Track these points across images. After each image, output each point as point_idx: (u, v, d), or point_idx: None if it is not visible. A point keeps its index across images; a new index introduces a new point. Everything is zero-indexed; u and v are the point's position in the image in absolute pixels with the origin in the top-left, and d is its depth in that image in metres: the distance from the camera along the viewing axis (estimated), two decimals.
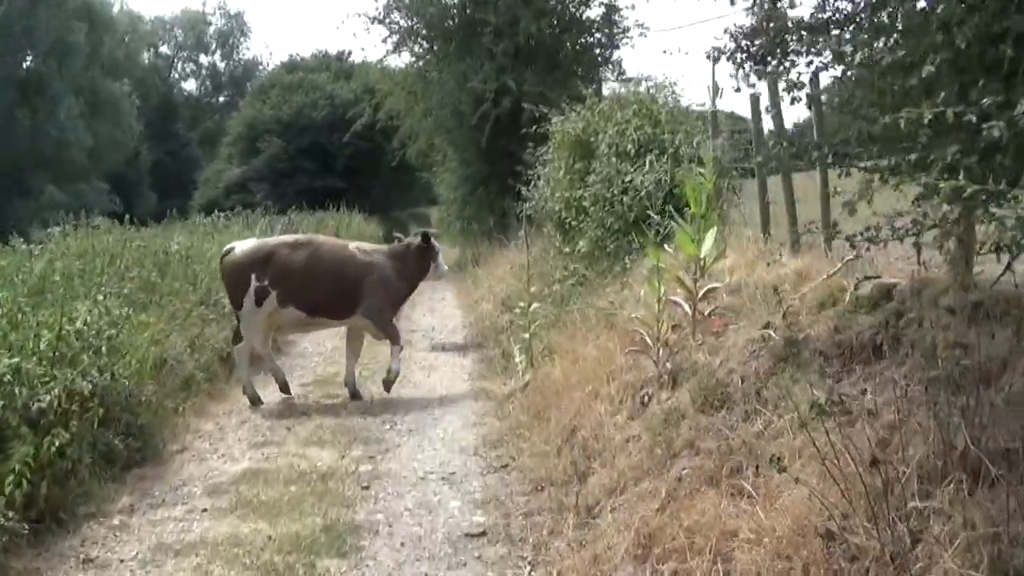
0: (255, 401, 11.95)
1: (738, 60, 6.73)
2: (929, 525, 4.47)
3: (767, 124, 10.59)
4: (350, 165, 50.76)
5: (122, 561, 7.14)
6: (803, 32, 6.31)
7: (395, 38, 30.31)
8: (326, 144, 51.07)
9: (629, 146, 13.94)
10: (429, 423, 10.99)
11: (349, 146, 45.48)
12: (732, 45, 6.73)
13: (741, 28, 6.69)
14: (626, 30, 29.61)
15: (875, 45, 5.01)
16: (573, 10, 29.62)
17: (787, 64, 6.47)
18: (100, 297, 10.56)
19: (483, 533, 7.46)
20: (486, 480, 8.84)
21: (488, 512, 7.93)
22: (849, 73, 5.68)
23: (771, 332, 7.50)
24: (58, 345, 8.78)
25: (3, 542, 6.83)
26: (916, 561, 4.28)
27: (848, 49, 4.86)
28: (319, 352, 15.95)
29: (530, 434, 9.66)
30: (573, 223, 15.32)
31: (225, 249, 12.60)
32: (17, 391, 7.88)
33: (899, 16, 5.22)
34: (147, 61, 79.21)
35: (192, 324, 12.93)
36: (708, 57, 6.87)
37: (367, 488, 8.63)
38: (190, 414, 10.96)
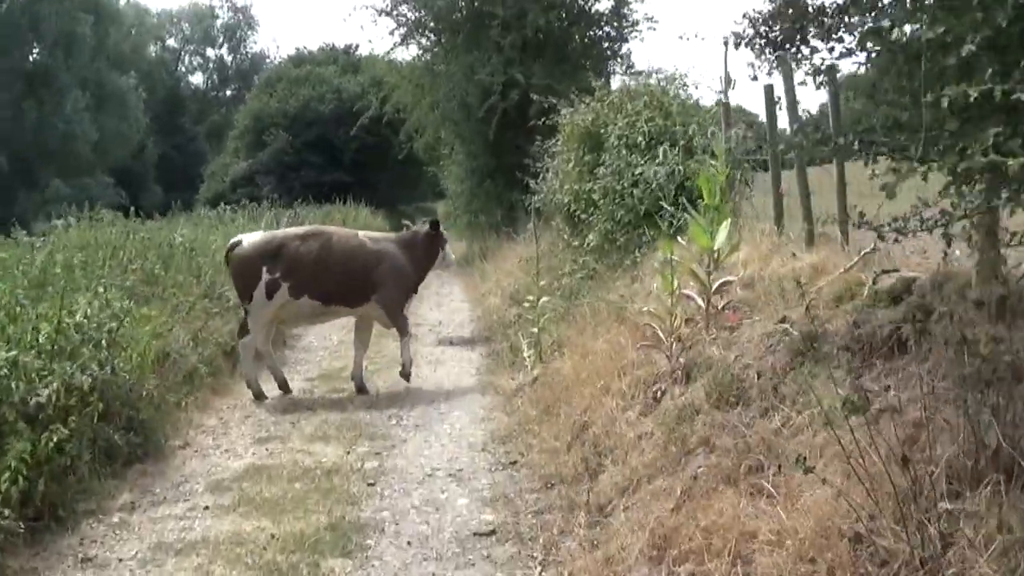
0: (259, 396, 11.81)
1: (757, 47, 6.52)
2: (960, 528, 4.28)
3: (781, 115, 10.42)
4: (357, 159, 50.54)
5: (121, 560, 6.95)
6: (824, 18, 6.11)
7: (402, 31, 30.29)
8: (333, 138, 50.84)
9: (639, 138, 13.76)
10: (436, 418, 10.82)
11: (356, 140, 45.30)
12: (751, 31, 6.52)
13: (760, 13, 6.49)
14: (635, 23, 29.52)
15: (905, 28, 4.79)
16: (582, 3, 29.51)
17: (808, 50, 6.27)
18: (101, 289, 10.38)
19: (492, 532, 7.26)
20: (494, 477, 8.65)
21: (497, 510, 7.73)
22: (875, 56, 5.46)
23: (788, 326, 7.30)
24: (57, 338, 8.61)
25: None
26: (948, 566, 4.09)
27: (886, 24, 4.63)
28: (324, 346, 15.79)
29: (539, 430, 9.47)
30: (582, 216, 15.15)
31: (232, 242, 12.42)
32: (14, 385, 7.72)
33: None
34: (154, 54, 79.13)
35: (196, 317, 12.74)
36: (726, 43, 6.65)
37: (373, 485, 8.44)
38: (193, 409, 10.77)
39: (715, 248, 8.74)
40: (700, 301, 8.79)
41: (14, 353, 7.97)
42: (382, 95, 33.45)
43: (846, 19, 5.90)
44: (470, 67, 27.32)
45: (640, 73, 21.72)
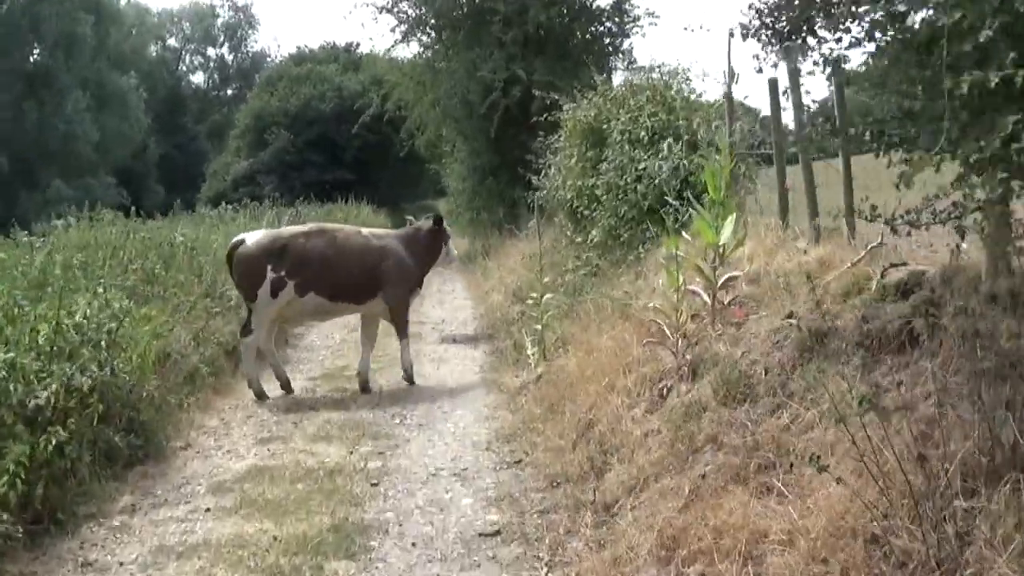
0: (260, 395, 11.73)
1: (763, 37, 6.42)
2: (976, 526, 4.19)
3: (784, 108, 10.31)
4: (358, 157, 50.46)
5: (122, 564, 6.85)
6: (831, 7, 6.01)
7: (403, 28, 30.14)
8: (334, 136, 50.78)
9: (642, 133, 13.65)
10: (440, 417, 10.72)
11: (357, 138, 45.16)
12: (757, 22, 6.43)
13: (766, 3, 6.39)
14: (636, 19, 29.41)
15: (915, 17, 4.70)
16: None
17: (815, 41, 6.17)
18: (100, 290, 10.28)
19: (497, 532, 7.16)
20: (499, 476, 8.55)
21: (502, 510, 7.63)
22: (886, 46, 5.36)
23: (795, 322, 7.21)
24: (56, 339, 8.50)
25: None
26: (966, 567, 3.99)
27: (901, 8, 4.54)
28: (327, 345, 15.71)
29: (544, 428, 9.37)
30: (585, 212, 15.07)
31: (235, 241, 12.31)
32: (12, 388, 7.60)
33: None
34: (154, 54, 79.04)
35: (197, 317, 12.64)
36: (732, 34, 6.55)
37: (376, 485, 8.34)
38: (194, 409, 10.65)
39: (720, 243, 8.63)
40: (706, 297, 8.70)
41: (12, 355, 7.87)
42: (383, 93, 33.33)
43: (854, 8, 5.80)
44: (471, 64, 27.23)
45: (642, 68, 21.60)
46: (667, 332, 8.53)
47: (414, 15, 29.93)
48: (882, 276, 6.98)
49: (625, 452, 7.48)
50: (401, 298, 12.48)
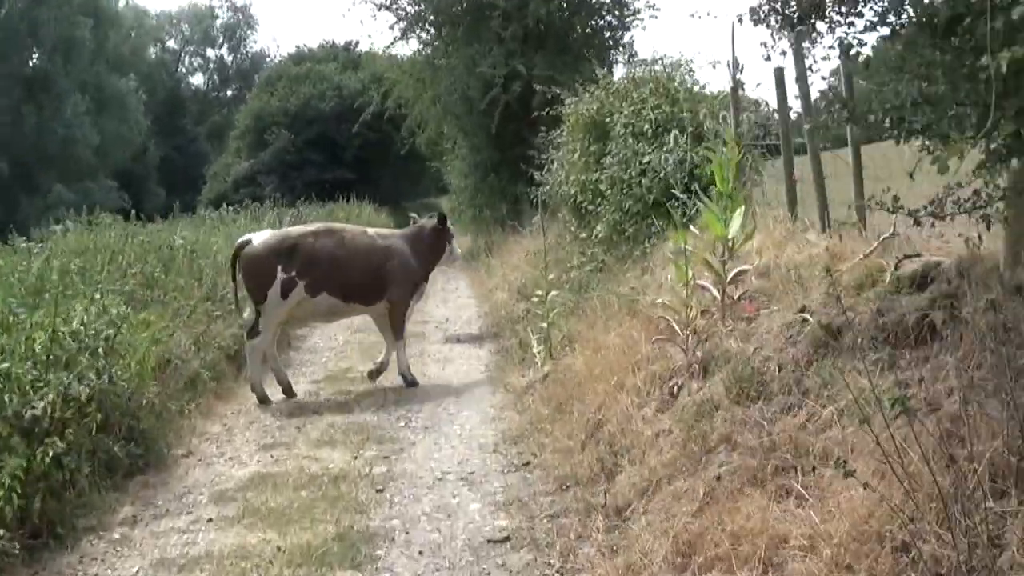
0: (264, 400, 11.54)
1: (773, 23, 6.23)
2: (1008, 530, 4.00)
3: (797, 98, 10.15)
4: (359, 156, 50.28)
5: None
6: None
7: (402, 25, 29.94)
8: (334, 135, 50.60)
9: (646, 126, 13.46)
10: (445, 419, 10.55)
11: (358, 137, 44.94)
12: (767, 7, 6.24)
13: None
14: (636, 12, 29.22)
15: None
16: None
17: (826, 26, 5.98)
18: (97, 296, 10.10)
19: (506, 538, 6.98)
20: (507, 479, 8.38)
21: (511, 515, 7.46)
22: (903, 29, 5.16)
23: (808, 316, 7.03)
24: (52, 348, 8.33)
25: None
26: (1000, 574, 3.80)
27: None
28: (330, 347, 15.52)
29: (552, 428, 9.18)
30: (589, 207, 14.90)
31: (241, 241, 12.13)
32: (8, 398, 7.42)
33: None
34: (153, 56, 78.85)
35: (197, 321, 12.46)
36: (740, 20, 6.35)
37: (382, 491, 8.17)
38: (196, 415, 10.47)
39: (729, 237, 8.44)
40: (715, 292, 8.52)
41: (7, 365, 7.71)
42: (383, 91, 33.21)
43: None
44: (471, 60, 27.04)
45: (644, 61, 21.42)
46: (676, 328, 8.36)
47: (413, 12, 29.76)
48: (896, 268, 6.81)
49: (636, 453, 7.30)
50: (403, 297, 12.40)
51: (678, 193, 10.66)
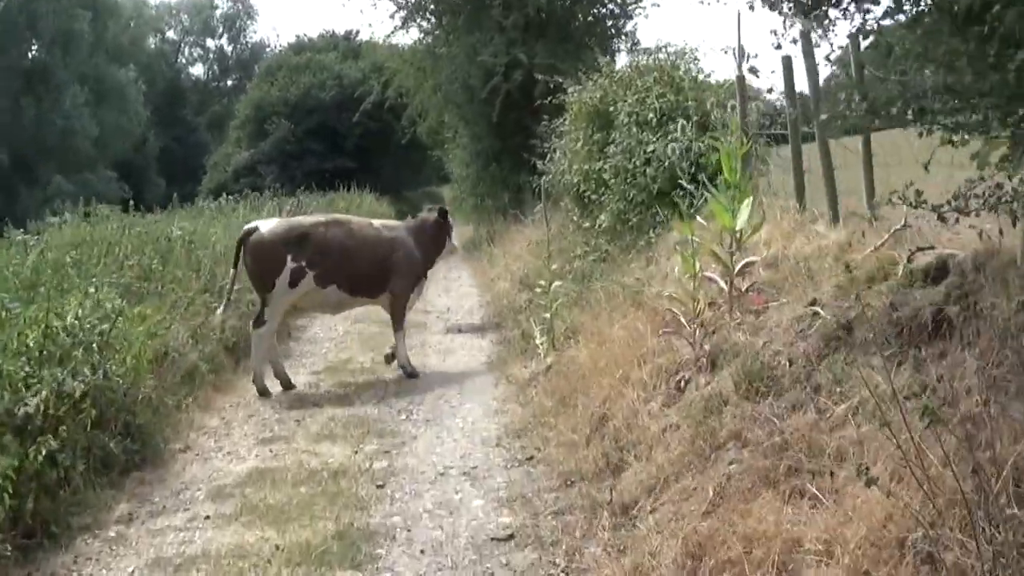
0: (264, 392, 11.39)
1: (784, 10, 6.05)
2: None
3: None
4: (360, 145, 50.22)
5: None
6: None
7: (403, 13, 29.83)
8: (335, 125, 50.52)
9: (650, 115, 13.29)
10: (447, 412, 10.40)
11: (358, 126, 44.89)
12: None
13: None
14: (638, 0, 29.05)
15: None
16: None
17: (838, 12, 5.80)
18: (92, 290, 9.93)
19: (510, 536, 6.82)
20: (510, 475, 8.21)
21: (514, 512, 7.29)
22: (923, 16, 4.98)
23: (818, 309, 6.87)
24: (46, 343, 8.16)
25: None
26: None
27: None
28: (330, 337, 15.36)
29: (556, 422, 9.02)
30: (593, 196, 14.74)
31: (248, 228, 11.92)
32: (0, 396, 7.27)
33: None
34: (153, 47, 78.64)
35: (195, 313, 12.30)
36: (751, 7, 6.17)
37: (382, 487, 8.01)
38: (193, 409, 10.30)
39: (737, 228, 8.27)
40: (722, 283, 8.35)
41: None
42: (384, 80, 33.10)
43: None
44: (472, 48, 26.87)
45: (647, 50, 21.26)
46: (683, 321, 8.19)
47: (413, 0, 29.58)
48: (909, 260, 6.65)
49: (642, 449, 7.15)
50: (405, 290, 12.36)
51: (684, 183, 10.48)
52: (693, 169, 11.41)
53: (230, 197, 26.75)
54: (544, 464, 8.27)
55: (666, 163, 12.20)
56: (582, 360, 9.72)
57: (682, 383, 7.68)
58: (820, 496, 4.96)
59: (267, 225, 11.89)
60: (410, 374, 12.06)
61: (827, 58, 8.52)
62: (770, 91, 10.84)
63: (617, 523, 6.44)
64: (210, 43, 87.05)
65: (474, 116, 28.57)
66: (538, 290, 12.61)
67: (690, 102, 13.13)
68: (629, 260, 12.45)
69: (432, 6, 29.62)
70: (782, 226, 9.38)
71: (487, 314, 16.77)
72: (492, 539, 6.80)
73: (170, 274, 13.42)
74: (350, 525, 7.12)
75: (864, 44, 6.04)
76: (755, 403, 6.48)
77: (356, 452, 8.99)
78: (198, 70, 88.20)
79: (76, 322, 8.76)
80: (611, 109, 14.70)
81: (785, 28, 6.44)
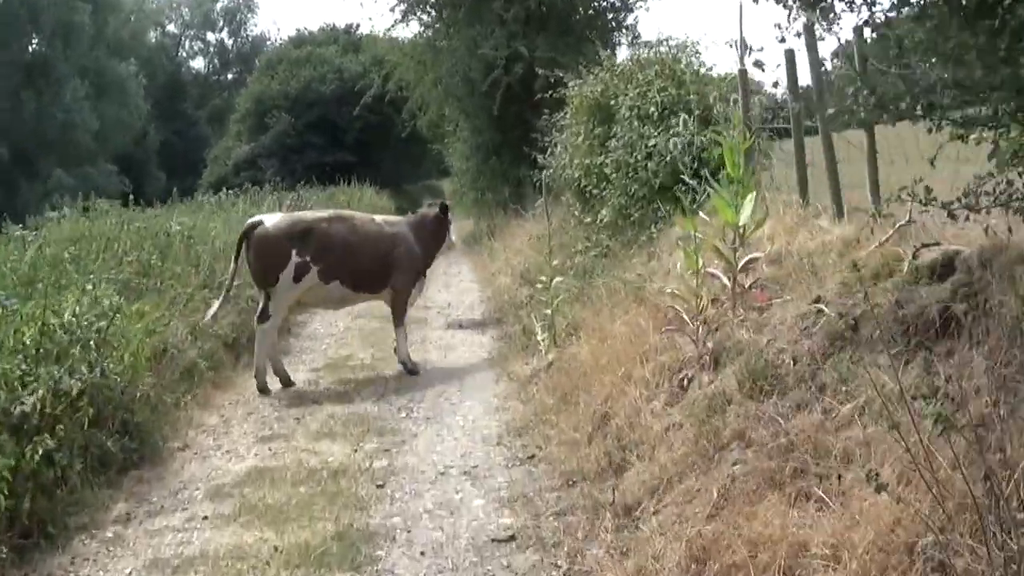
0: (264, 390, 11.31)
1: (789, 3, 5.97)
2: None
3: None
4: (360, 139, 50.17)
5: None
6: None
7: (403, 6, 29.70)
8: (335, 118, 50.47)
9: (652, 108, 13.20)
10: (448, 409, 10.32)
11: (359, 119, 44.69)
12: None
13: None
14: None
15: None
16: None
17: (844, 5, 5.71)
18: (90, 286, 9.85)
19: (511, 537, 6.73)
20: (512, 474, 8.14)
21: (516, 512, 7.21)
22: (933, 8, 4.88)
23: (823, 307, 6.78)
24: (42, 341, 8.08)
25: None
26: None
27: None
28: (331, 333, 15.29)
29: (557, 420, 8.94)
30: (594, 191, 14.62)
31: (251, 222, 11.83)
32: None
33: None
34: (154, 40, 78.45)
35: (194, 309, 12.20)
36: (755, 0, 6.09)
37: (382, 486, 7.93)
38: (192, 407, 10.22)
39: (740, 223, 8.17)
40: (725, 280, 8.26)
41: None
42: (384, 73, 33.02)
43: None
44: (472, 41, 26.75)
45: (648, 43, 21.19)
46: (685, 318, 8.11)
47: None
48: (914, 257, 6.54)
49: (645, 448, 7.06)
50: (406, 285, 12.34)
51: (686, 178, 10.38)
52: (695, 164, 11.30)
53: (230, 191, 26.66)
54: (545, 463, 8.19)
55: (668, 157, 12.11)
56: (584, 357, 9.65)
57: (685, 381, 7.60)
58: (827, 499, 4.88)
59: (271, 219, 11.83)
60: (410, 370, 11.99)
61: (835, 54, 8.40)
62: (775, 85, 10.69)
63: (620, 524, 6.36)
64: (211, 36, 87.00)
65: (474, 109, 28.46)
66: (539, 286, 12.53)
67: (692, 96, 13.03)
68: (630, 256, 12.35)
69: None
70: (785, 221, 9.27)
71: (488, 309, 16.71)
72: (493, 540, 6.73)
73: (169, 270, 13.34)
74: (350, 526, 7.05)
75: (869, 37, 5.92)
76: (759, 402, 6.40)
77: (356, 451, 8.91)
78: (199, 64, 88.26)
79: (73, 319, 8.69)
80: (612, 103, 14.60)
81: (789, 21, 6.36)
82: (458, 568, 6.34)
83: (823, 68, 9.03)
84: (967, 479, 3.95)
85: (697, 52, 15.60)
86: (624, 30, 29.71)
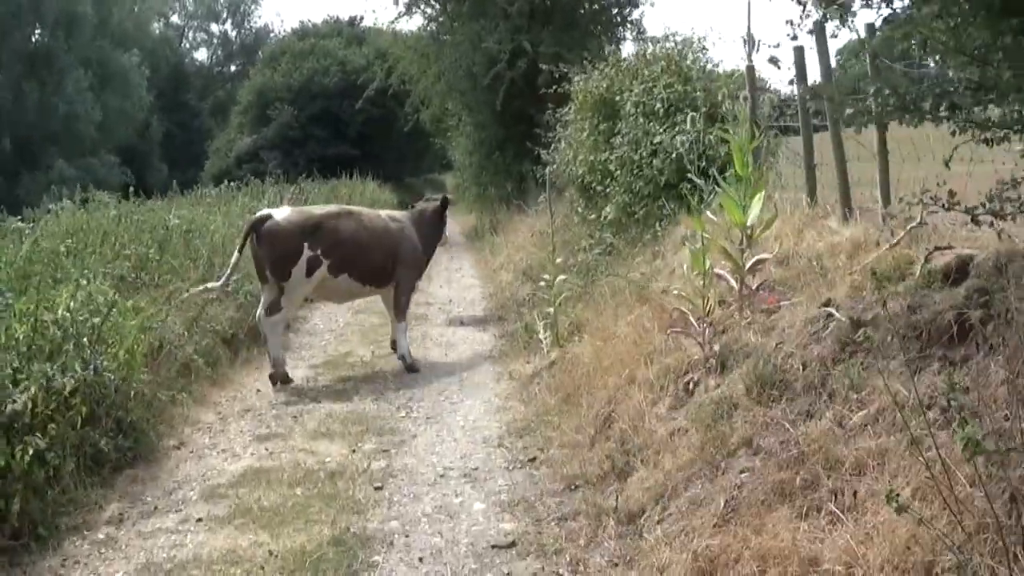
0: (285, 380, 11.29)
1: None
2: None
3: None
4: (363, 132, 50.25)
5: None
6: None
7: None
8: (338, 111, 50.63)
9: (658, 105, 13.05)
10: (448, 409, 10.17)
11: (361, 112, 44.78)
12: None
13: None
14: None
15: None
16: None
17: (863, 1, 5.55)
18: (84, 282, 9.68)
19: (512, 544, 6.56)
20: (513, 477, 7.97)
21: (517, 517, 7.04)
22: (954, 6, 4.71)
23: (833, 310, 6.62)
24: (34, 337, 7.92)
25: None
26: None
27: None
28: (330, 329, 15.13)
29: (559, 421, 8.81)
30: (598, 188, 14.51)
31: (260, 215, 11.71)
32: None
33: None
34: (157, 31, 78.44)
35: (192, 304, 12.03)
36: None
37: (380, 489, 7.76)
38: (188, 404, 10.00)
39: (748, 223, 8.01)
40: (732, 281, 8.10)
41: None
42: (387, 66, 33.02)
43: None
44: (476, 35, 26.72)
45: (653, 38, 21.09)
46: (691, 320, 7.95)
47: None
48: (926, 260, 6.38)
49: (649, 453, 6.90)
50: (409, 280, 12.43)
51: (693, 176, 10.22)
52: (703, 163, 11.15)
53: (232, 183, 26.53)
54: (547, 466, 8.03)
55: (673, 155, 11.97)
56: (586, 357, 9.53)
57: (690, 385, 7.45)
58: (838, 513, 4.72)
59: (281, 213, 11.72)
60: (409, 366, 11.88)
61: (839, 52, 8.25)
62: (792, 83, 10.53)
63: (623, 532, 6.21)
64: (214, 28, 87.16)
65: (477, 104, 28.44)
66: (542, 284, 12.37)
67: (698, 93, 12.88)
68: (635, 253, 12.24)
69: None
70: (792, 221, 9.13)
71: (489, 306, 16.57)
72: (493, 546, 6.55)
73: (167, 264, 13.20)
74: (346, 530, 6.89)
75: (886, 35, 5.76)
76: (767, 407, 6.25)
77: (354, 451, 8.75)
78: (202, 55, 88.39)
79: (67, 315, 8.51)
80: (617, 99, 14.49)
81: (802, 18, 6.22)
82: (457, 575, 6.19)
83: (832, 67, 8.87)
84: (989, 497, 3.79)
85: (704, 48, 15.47)
86: (629, 25, 29.70)
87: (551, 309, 11.54)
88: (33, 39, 56.42)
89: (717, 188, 8.82)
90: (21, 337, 7.89)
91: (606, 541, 6.19)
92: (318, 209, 12.54)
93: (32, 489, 6.89)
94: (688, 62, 14.28)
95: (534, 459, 8.29)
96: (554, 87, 18.49)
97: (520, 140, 24.34)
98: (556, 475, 7.73)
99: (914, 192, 5.99)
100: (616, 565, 5.81)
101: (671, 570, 5.18)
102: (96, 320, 8.71)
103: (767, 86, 13.01)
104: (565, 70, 17.84)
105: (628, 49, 25.79)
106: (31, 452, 6.83)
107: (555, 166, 17.54)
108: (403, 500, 7.53)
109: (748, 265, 7.99)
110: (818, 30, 8.18)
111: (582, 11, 28.23)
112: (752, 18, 10.55)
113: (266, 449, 8.97)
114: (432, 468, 8.28)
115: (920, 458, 4.10)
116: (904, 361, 5.54)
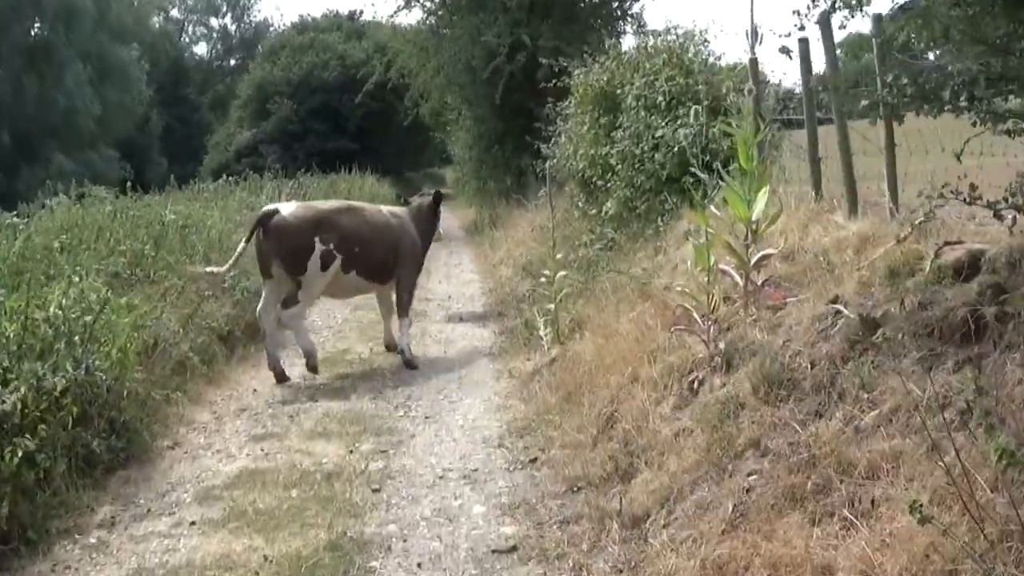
0: (315, 369, 11.46)
1: None
2: None
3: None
4: (362, 126, 50.17)
5: None
6: None
7: None
8: (337, 105, 50.58)
9: (659, 98, 12.89)
10: (447, 408, 10.02)
11: (361, 107, 44.65)
12: None
13: None
14: None
15: None
16: None
17: None
18: (76, 279, 9.51)
19: (513, 548, 6.39)
20: (513, 478, 7.80)
21: (517, 521, 6.87)
22: None
23: (841, 307, 6.45)
24: (25, 336, 7.76)
25: None
26: None
27: None
28: (328, 325, 14.98)
29: (560, 420, 8.63)
30: (599, 182, 14.35)
31: (267, 211, 11.59)
32: None
33: None
34: (157, 25, 78.27)
35: (187, 301, 11.88)
36: None
37: (378, 491, 7.60)
38: (183, 403, 9.85)
39: (753, 218, 7.84)
40: (737, 277, 7.93)
41: None
42: (386, 60, 32.85)
43: None
44: (475, 29, 26.58)
45: (654, 32, 20.93)
46: (695, 317, 7.78)
47: None
48: (937, 255, 6.21)
49: (654, 454, 6.73)
50: (410, 276, 12.44)
51: (696, 170, 10.05)
52: (706, 156, 10.98)
53: (231, 178, 26.43)
54: (548, 467, 7.86)
55: (675, 148, 11.81)
56: (588, 355, 9.36)
57: (695, 383, 7.27)
58: (852, 518, 4.55)
59: (287, 208, 11.60)
60: (408, 362, 11.79)
61: (840, 44, 8.11)
62: (786, 75, 10.43)
63: (627, 536, 6.03)
64: (214, 22, 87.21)
65: (477, 98, 28.32)
66: (542, 279, 12.22)
67: (700, 85, 12.71)
68: (636, 249, 12.11)
69: None
70: (797, 216, 8.97)
71: (489, 302, 16.43)
72: (493, 551, 6.39)
73: (162, 260, 13.02)
74: (343, 534, 6.72)
75: (899, 24, 5.60)
76: (775, 408, 6.08)
77: (351, 452, 8.59)
78: (201, 49, 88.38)
79: (59, 313, 8.35)
80: (618, 92, 14.35)
81: (809, 9, 6.06)
82: None
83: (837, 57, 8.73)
84: (1013, 502, 3.62)
85: (706, 41, 15.34)
86: (629, 18, 29.53)
87: (552, 305, 11.40)
88: (33, 32, 56.18)
89: (720, 182, 8.66)
90: (11, 335, 7.75)
91: (610, 546, 6.01)
92: (323, 204, 12.53)
93: (21, 491, 6.76)
94: (690, 55, 14.13)
95: (535, 460, 8.12)
96: (554, 81, 18.30)
97: (520, 134, 24.17)
98: (558, 476, 7.56)
99: (933, 185, 5.79)
100: (620, 571, 5.65)
101: None
102: (88, 318, 8.53)
103: (768, 80, 12.86)
104: (565, 64, 17.68)
105: (629, 43, 25.60)
106: (20, 454, 6.72)
107: (555, 160, 17.39)
108: (401, 503, 7.37)
109: (753, 261, 7.81)
110: (824, 21, 8.03)
111: (582, 4, 28.15)
112: (755, 11, 10.38)
113: (262, 450, 8.81)
114: (431, 469, 8.12)
115: (939, 463, 3.91)
116: (917, 359, 5.39)
